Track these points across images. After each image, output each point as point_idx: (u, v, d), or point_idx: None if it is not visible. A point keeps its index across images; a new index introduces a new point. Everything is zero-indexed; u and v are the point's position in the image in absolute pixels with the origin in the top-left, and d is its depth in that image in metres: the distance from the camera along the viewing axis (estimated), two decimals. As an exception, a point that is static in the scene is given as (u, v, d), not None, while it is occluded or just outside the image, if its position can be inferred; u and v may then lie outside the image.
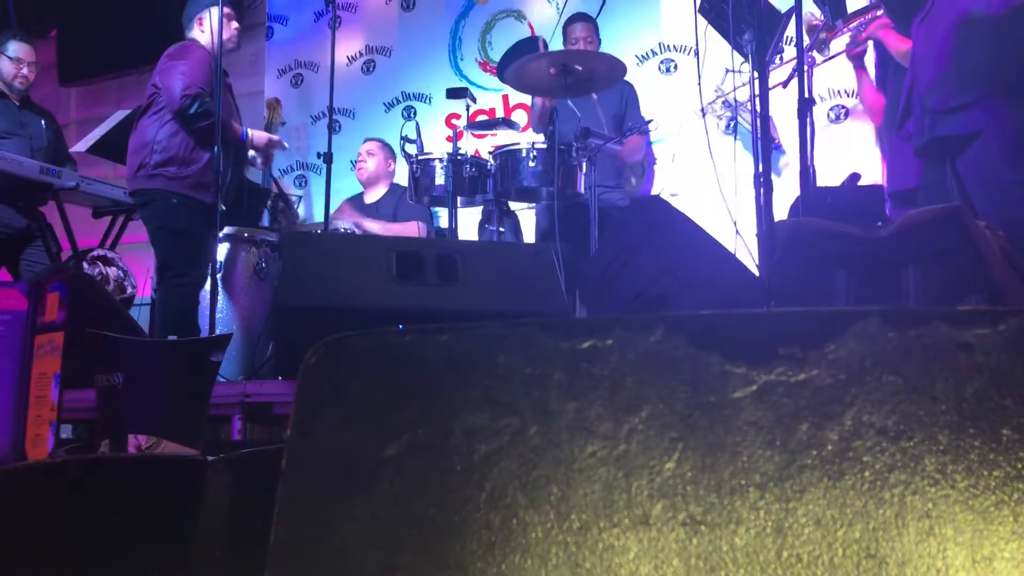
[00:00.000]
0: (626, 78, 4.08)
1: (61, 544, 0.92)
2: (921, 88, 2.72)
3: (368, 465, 0.73)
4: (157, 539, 0.90)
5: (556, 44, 4.59)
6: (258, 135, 3.94)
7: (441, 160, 3.88)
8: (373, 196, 4.92)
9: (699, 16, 3.31)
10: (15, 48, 4.41)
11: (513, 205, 4.23)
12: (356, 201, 4.97)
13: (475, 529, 0.68)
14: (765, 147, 2.59)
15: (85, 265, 4.05)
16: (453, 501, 0.69)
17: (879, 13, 3.38)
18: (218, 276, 3.49)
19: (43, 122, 4.53)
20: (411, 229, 4.57)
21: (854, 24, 3.56)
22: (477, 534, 0.68)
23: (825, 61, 3.73)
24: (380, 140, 5.04)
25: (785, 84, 3.65)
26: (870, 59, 3.90)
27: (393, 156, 5.00)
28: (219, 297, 3.59)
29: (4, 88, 4.40)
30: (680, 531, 0.64)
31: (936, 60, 2.66)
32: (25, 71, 4.44)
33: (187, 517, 0.89)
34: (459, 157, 3.87)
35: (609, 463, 0.67)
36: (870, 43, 3.69)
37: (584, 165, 3.84)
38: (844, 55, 3.74)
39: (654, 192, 4.67)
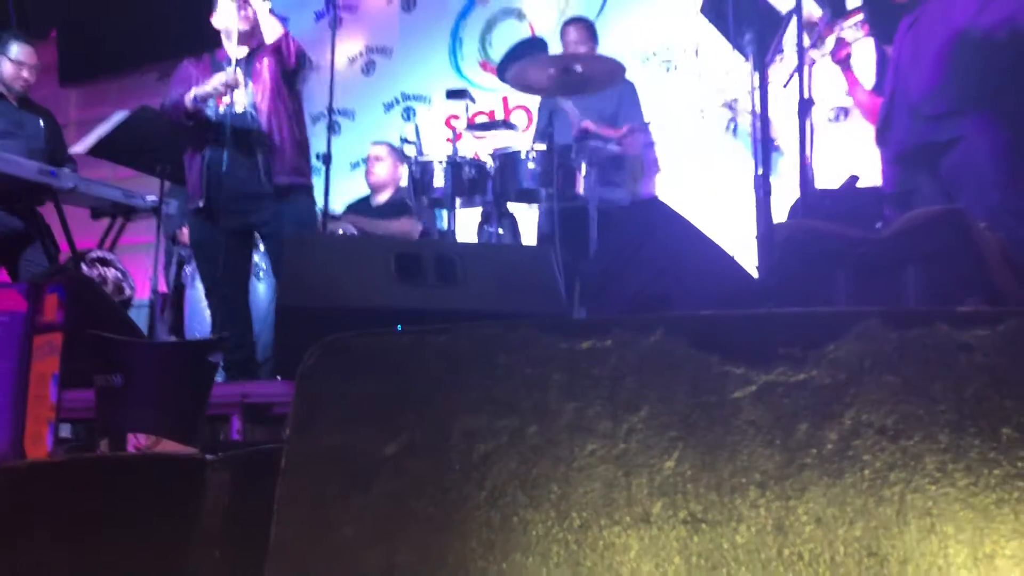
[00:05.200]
0: (626, 77, 4.08)
1: (60, 543, 0.92)
2: (913, 96, 2.74)
3: (367, 464, 0.73)
4: (157, 538, 0.90)
5: (555, 46, 4.60)
6: (201, 90, 3.62)
7: (441, 162, 3.88)
8: (380, 199, 4.91)
9: (700, 16, 3.31)
10: (17, 50, 4.40)
11: (513, 206, 4.22)
12: (360, 207, 4.95)
13: (475, 528, 0.68)
14: (765, 148, 2.59)
15: (84, 266, 4.04)
16: (453, 500, 0.69)
17: (877, 11, 3.38)
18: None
19: (41, 122, 4.52)
20: (403, 226, 4.57)
21: (851, 22, 3.57)
22: (477, 533, 0.68)
23: (822, 57, 3.73)
24: (388, 144, 5.00)
25: (785, 84, 3.65)
26: (865, 59, 3.91)
27: (402, 160, 4.99)
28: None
29: (3, 89, 4.39)
30: (681, 529, 0.64)
31: (928, 69, 2.69)
32: (26, 74, 4.43)
33: (187, 516, 0.89)
34: (458, 159, 3.86)
35: (609, 462, 0.67)
36: (854, 44, 3.72)
37: (583, 167, 3.84)
38: (829, 58, 3.75)
39: (656, 192, 4.68)
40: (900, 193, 3.39)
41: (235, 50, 3.74)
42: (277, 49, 3.65)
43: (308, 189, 3.77)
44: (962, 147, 2.60)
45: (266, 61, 3.66)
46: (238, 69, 3.53)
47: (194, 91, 3.59)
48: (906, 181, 3.06)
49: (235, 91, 3.65)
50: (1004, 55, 2.54)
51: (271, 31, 3.66)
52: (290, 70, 3.68)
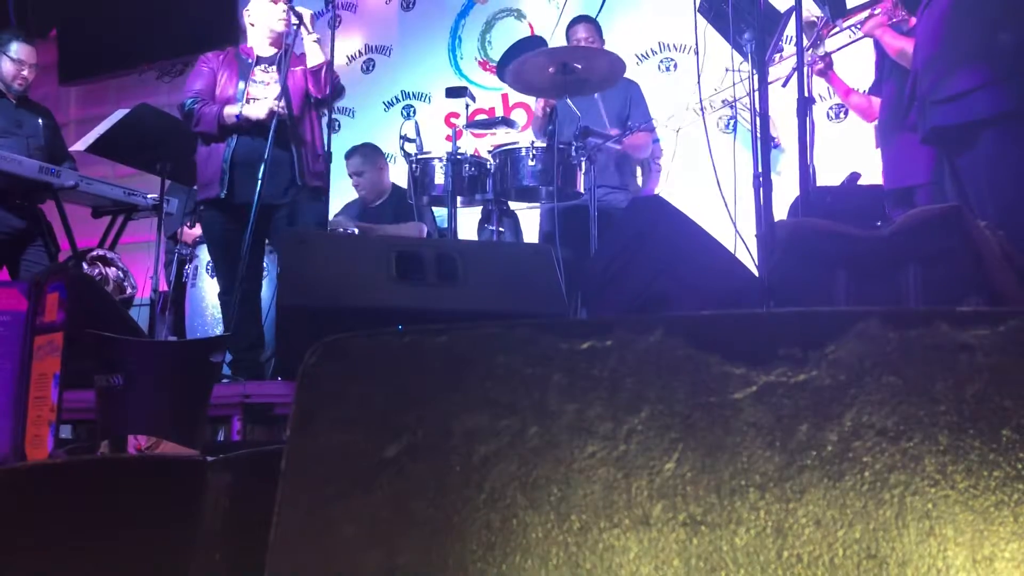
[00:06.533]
0: (627, 76, 4.09)
1: (61, 545, 0.92)
2: (921, 76, 2.72)
3: (368, 466, 0.73)
4: (157, 540, 0.90)
5: (555, 45, 4.59)
6: (253, 111, 3.65)
7: (441, 159, 3.88)
8: (375, 203, 4.90)
9: (699, 15, 3.31)
10: (17, 49, 4.42)
11: (515, 205, 4.23)
12: (353, 208, 4.93)
13: (475, 529, 0.68)
14: (765, 147, 2.59)
15: (84, 265, 4.05)
16: (453, 502, 0.69)
17: (876, 12, 3.38)
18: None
19: (40, 121, 4.54)
20: (411, 230, 4.54)
21: (851, 22, 3.57)
22: (477, 534, 0.68)
23: (820, 61, 3.74)
24: (361, 152, 4.91)
25: (785, 83, 3.66)
26: (864, 60, 3.92)
27: (382, 159, 4.95)
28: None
29: (2, 88, 4.41)
30: (680, 531, 0.64)
31: (932, 44, 2.66)
32: (25, 72, 4.45)
33: (187, 517, 0.89)
34: (459, 156, 3.86)
35: (609, 463, 0.67)
36: (842, 49, 3.75)
37: (584, 164, 3.84)
38: (815, 73, 3.77)
39: (660, 191, 4.68)
40: (901, 190, 3.39)
41: (265, 48, 3.77)
42: (316, 73, 3.66)
43: (326, 191, 3.79)
44: (976, 143, 2.57)
45: (300, 69, 3.68)
46: (278, 98, 3.54)
47: (240, 110, 3.60)
48: (935, 168, 3.04)
49: (268, 87, 3.67)
50: (1007, 20, 2.50)
51: (314, 57, 3.67)
52: (322, 97, 3.69)
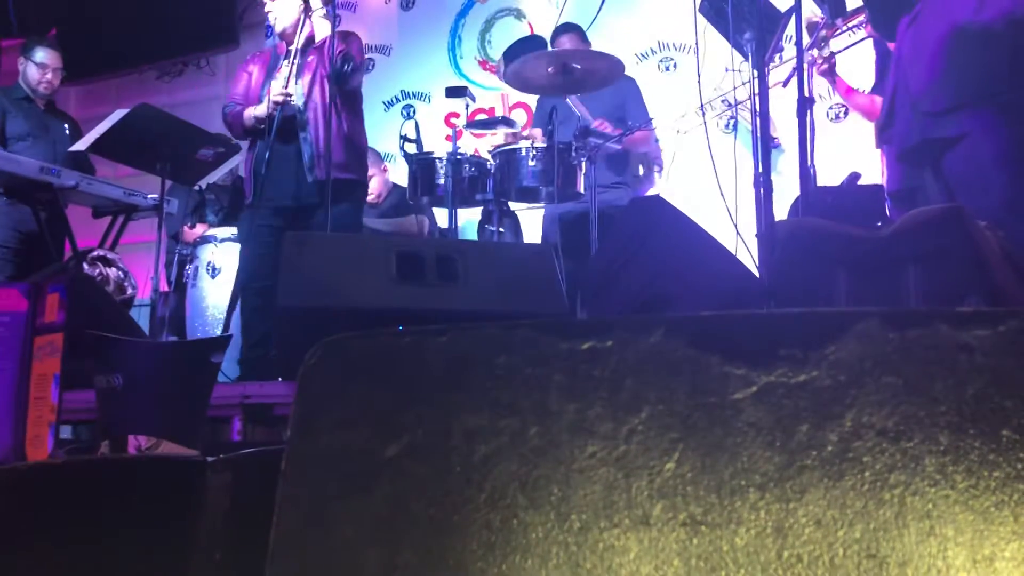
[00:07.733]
0: (626, 74, 4.09)
1: (61, 545, 0.92)
2: (913, 92, 2.73)
3: (368, 465, 0.73)
4: (157, 540, 0.90)
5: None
6: (260, 111, 3.66)
7: (441, 160, 3.87)
8: (377, 202, 4.91)
9: (699, 15, 3.31)
10: (42, 55, 4.55)
11: (515, 205, 4.23)
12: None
13: (475, 529, 0.68)
14: (765, 147, 2.59)
15: (85, 266, 4.04)
16: (453, 501, 0.69)
17: (876, 12, 3.38)
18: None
19: (65, 126, 4.63)
20: (411, 223, 4.54)
21: (854, 23, 3.57)
22: (477, 534, 0.68)
23: (824, 62, 3.73)
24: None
25: (785, 83, 3.66)
26: (865, 60, 3.92)
27: (383, 160, 4.97)
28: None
29: (30, 92, 4.50)
30: (680, 531, 0.64)
31: (928, 65, 2.68)
32: (50, 76, 4.55)
33: (187, 517, 0.89)
34: (459, 156, 3.86)
35: (609, 463, 0.67)
36: (846, 49, 3.75)
37: (584, 164, 3.84)
38: (818, 72, 3.77)
39: (659, 191, 4.68)
40: (904, 191, 3.39)
41: (290, 43, 3.77)
42: (321, 48, 3.65)
43: (355, 185, 3.73)
44: (965, 144, 2.58)
45: (314, 56, 3.68)
46: (284, 87, 3.54)
47: (252, 112, 3.63)
48: (910, 178, 3.05)
49: (288, 85, 3.66)
50: (1003, 47, 2.53)
51: (321, 31, 3.67)
52: (335, 71, 3.64)
